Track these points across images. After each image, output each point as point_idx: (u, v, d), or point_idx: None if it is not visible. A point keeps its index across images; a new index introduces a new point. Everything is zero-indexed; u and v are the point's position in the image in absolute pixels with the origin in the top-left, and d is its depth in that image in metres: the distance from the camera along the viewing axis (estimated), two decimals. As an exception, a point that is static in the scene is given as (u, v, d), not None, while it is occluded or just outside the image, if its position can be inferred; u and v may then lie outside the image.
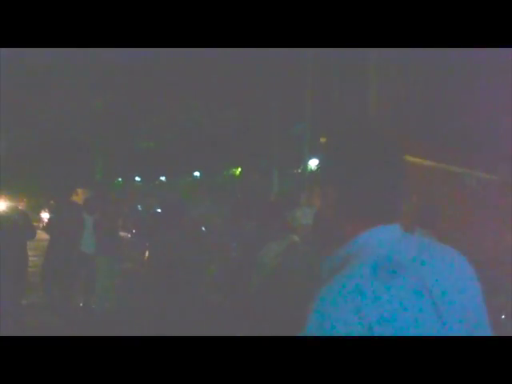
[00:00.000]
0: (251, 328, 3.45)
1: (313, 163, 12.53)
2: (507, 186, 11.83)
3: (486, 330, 1.14)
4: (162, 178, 20.39)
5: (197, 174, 18.11)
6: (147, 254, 7.69)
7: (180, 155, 16.78)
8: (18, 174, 20.99)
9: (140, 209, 17.59)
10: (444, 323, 1.04)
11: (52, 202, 20.87)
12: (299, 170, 12.32)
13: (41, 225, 16.06)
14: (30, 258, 6.53)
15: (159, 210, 12.51)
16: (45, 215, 18.90)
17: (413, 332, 0.99)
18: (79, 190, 7.91)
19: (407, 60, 10.20)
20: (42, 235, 8.69)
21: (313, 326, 1.01)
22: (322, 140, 12.79)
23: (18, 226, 5.84)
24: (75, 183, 10.08)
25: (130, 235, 13.11)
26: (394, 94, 11.43)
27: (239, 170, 16.16)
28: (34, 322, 6.24)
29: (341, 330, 0.98)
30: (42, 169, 22.25)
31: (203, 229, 8.34)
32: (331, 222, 1.16)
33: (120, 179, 24.30)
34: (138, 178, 23.31)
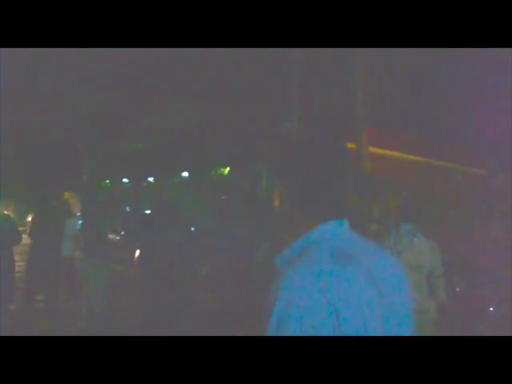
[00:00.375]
0: (244, 327, 3.43)
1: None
2: (494, 180, 11.96)
3: (409, 327, 1.25)
4: (150, 179, 20.31)
5: (185, 174, 18.07)
6: (137, 255, 7.65)
7: (168, 156, 16.74)
8: (4, 178, 20.78)
9: (128, 210, 17.50)
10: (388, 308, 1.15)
11: (38, 205, 20.67)
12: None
13: (27, 229, 15.90)
14: (17, 263, 6.46)
15: (148, 212, 12.46)
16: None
17: (368, 313, 1.09)
18: (66, 193, 7.88)
19: (395, 58, 10.25)
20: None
21: (280, 313, 1.07)
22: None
23: (4, 230, 5.78)
24: (62, 186, 10.01)
25: (118, 237, 13.03)
26: (382, 91, 11.49)
27: (227, 169, 16.15)
28: (23, 326, 6.17)
29: (309, 313, 1.06)
30: (29, 172, 22.05)
31: (192, 229, 8.32)
32: (287, 218, 1.25)
33: (108, 181, 24.19)
34: (125, 180, 23.21)
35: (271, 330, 1.07)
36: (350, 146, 11.89)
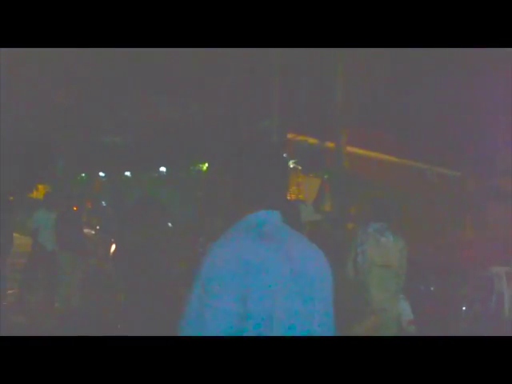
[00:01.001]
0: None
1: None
2: (468, 181, 12.19)
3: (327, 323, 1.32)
4: (127, 174, 20.09)
5: (163, 169, 17.91)
6: (112, 250, 7.56)
7: (145, 150, 16.58)
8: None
9: (104, 205, 17.29)
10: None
11: (11, 198, 20.28)
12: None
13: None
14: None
15: (125, 206, 12.32)
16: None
17: (277, 287, 1.21)
18: (40, 186, 7.75)
19: (374, 58, 10.33)
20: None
21: (204, 276, 1.23)
22: (290, 136, 12.89)
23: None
24: (36, 179, 9.83)
25: (93, 231, 12.86)
26: (361, 91, 11.58)
27: (206, 165, 16.09)
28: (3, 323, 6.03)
29: (227, 282, 1.19)
30: (1, 165, 21.57)
31: (170, 225, 8.25)
32: (229, 205, 1.38)
33: (83, 174, 23.85)
34: (102, 174, 22.90)
35: (195, 292, 1.20)
36: (329, 145, 11.97)
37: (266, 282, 1.20)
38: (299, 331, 1.20)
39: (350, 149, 11.44)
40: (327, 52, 10.34)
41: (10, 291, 7.12)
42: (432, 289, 5.44)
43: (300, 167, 12.54)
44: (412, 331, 4.03)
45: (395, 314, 3.54)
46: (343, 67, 11.01)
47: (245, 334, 1.15)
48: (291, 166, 12.54)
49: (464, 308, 5.19)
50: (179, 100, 14.82)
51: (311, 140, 12.82)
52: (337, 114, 11.18)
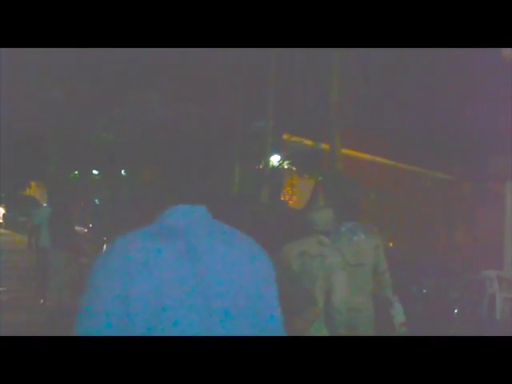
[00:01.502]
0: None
1: (274, 159, 12.57)
2: (461, 186, 12.26)
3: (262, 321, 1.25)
4: (121, 172, 20.03)
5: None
6: (105, 248, 7.51)
7: (139, 148, 16.54)
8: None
9: (97, 203, 17.22)
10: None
11: (3, 195, 20.17)
12: (260, 166, 12.33)
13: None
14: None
15: (118, 204, 12.29)
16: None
17: (170, 284, 1.17)
18: (32, 183, 7.70)
19: (370, 60, 10.37)
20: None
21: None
22: (285, 137, 12.90)
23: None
24: (29, 176, 9.76)
25: (86, 229, 12.81)
26: (357, 93, 11.61)
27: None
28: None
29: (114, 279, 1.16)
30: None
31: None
32: (148, 198, 1.35)
33: (76, 172, 23.76)
34: (95, 172, 22.82)
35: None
36: (324, 147, 12.00)
37: (152, 281, 1.15)
38: (195, 329, 1.17)
39: (344, 151, 11.47)
40: (323, 53, 10.36)
41: (2, 288, 7.08)
42: (424, 291, 5.47)
43: (294, 168, 12.56)
44: (403, 333, 4.05)
45: (370, 315, 3.51)
46: (339, 68, 11.03)
47: (131, 334, 1.14)
48: (285, 166, 12.56)
49: (456, 311, 5.23)
50: (173, 99, 14.79)
51: (306, 141, 12.85)
52: (332, 115, 11.20)
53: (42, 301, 7.06)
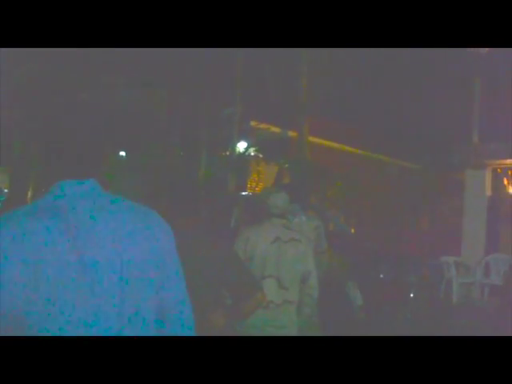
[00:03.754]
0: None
1: (241, 146, 12.53)
2: (425, 174, 12.49)
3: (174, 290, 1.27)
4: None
5: (122, 153, 17.61)
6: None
7: (103, 133, 16.26)
8: None
9: None
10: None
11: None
12: (227, 153, 12.29)
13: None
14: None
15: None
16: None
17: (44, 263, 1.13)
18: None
19: (338, 52, 10.39)
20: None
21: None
22: (252, 124, 12.84)
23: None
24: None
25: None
26: (325, 81, 11.65)
27: (165, 151, 15.91)
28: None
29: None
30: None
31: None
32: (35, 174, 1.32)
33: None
34: None
35: None
36: (292, 134, 12.01)
37: (28, 262, 1.12)
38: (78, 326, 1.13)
39: (312, 139, 11.51)
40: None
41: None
42: (381, 276, 5.58)
43: (261, 155, 12.56)
44: (362, 317, 4.12)
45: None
46: (307, 56, 11.03)
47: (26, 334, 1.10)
48: (252, 154, 12.54)
49: (412, 295, 5.38)
50: (140, 86, 14.56)
51: (273, 128, 12.84)
52: (300, 103, 11.21)
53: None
